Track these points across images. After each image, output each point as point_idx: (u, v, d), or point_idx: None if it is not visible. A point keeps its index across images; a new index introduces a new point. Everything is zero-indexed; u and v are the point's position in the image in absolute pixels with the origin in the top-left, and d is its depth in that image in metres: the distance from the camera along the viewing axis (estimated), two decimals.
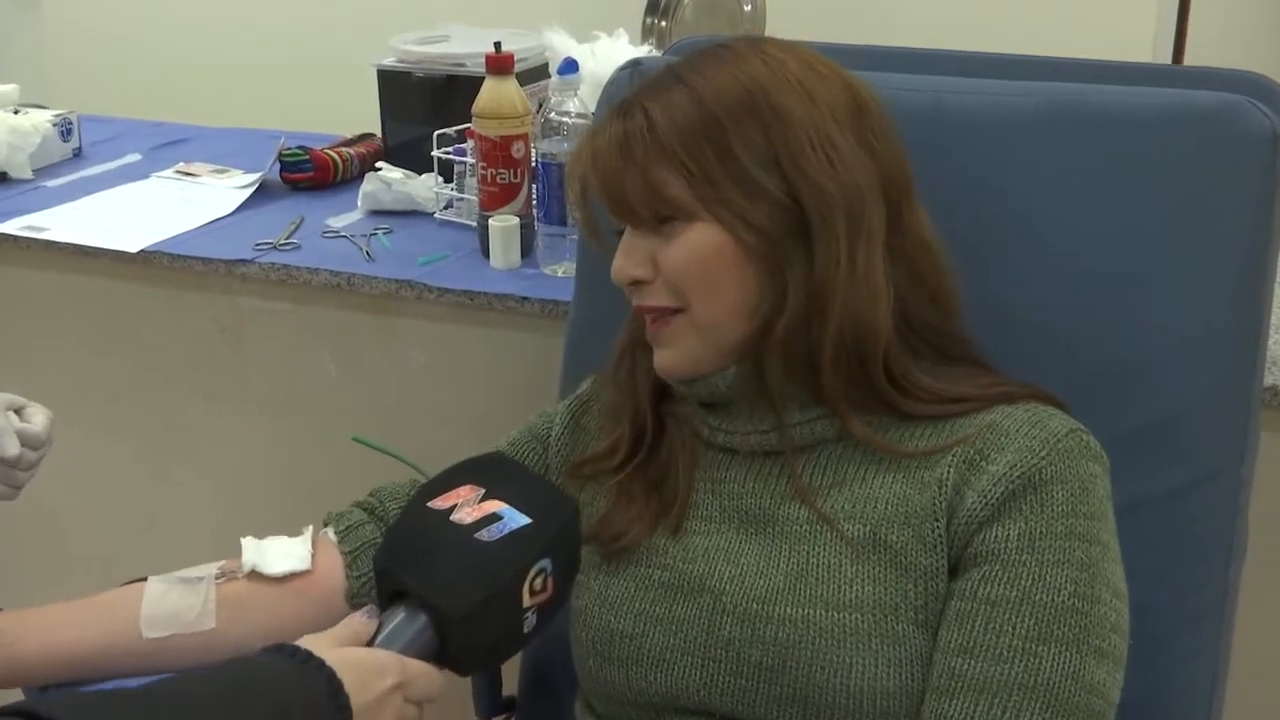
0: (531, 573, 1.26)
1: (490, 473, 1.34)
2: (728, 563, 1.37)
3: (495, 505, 1.29)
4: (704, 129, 1.32)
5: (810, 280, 1.32)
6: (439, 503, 1.30)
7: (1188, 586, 1.52)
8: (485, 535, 1.26)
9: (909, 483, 1.34)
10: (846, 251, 1.32)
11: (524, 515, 1.29)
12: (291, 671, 1.14)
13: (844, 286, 1.32)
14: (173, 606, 1.43)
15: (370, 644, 1.23)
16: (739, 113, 1.32)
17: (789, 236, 1.32)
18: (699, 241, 1.33)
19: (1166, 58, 3.31)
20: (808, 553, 1.34)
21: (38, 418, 1.56)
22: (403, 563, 1.27)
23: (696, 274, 1.34)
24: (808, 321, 1.33)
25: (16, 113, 2.84)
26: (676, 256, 1.34)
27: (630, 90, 1.40)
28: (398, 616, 1.25)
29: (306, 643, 1.18)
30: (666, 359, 1.39)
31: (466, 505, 1.29)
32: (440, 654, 1.25)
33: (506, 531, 1.27)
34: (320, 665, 1.14)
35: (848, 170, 1.32)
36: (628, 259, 1.37)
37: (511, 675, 1.70)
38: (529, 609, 1.27)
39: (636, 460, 1.46)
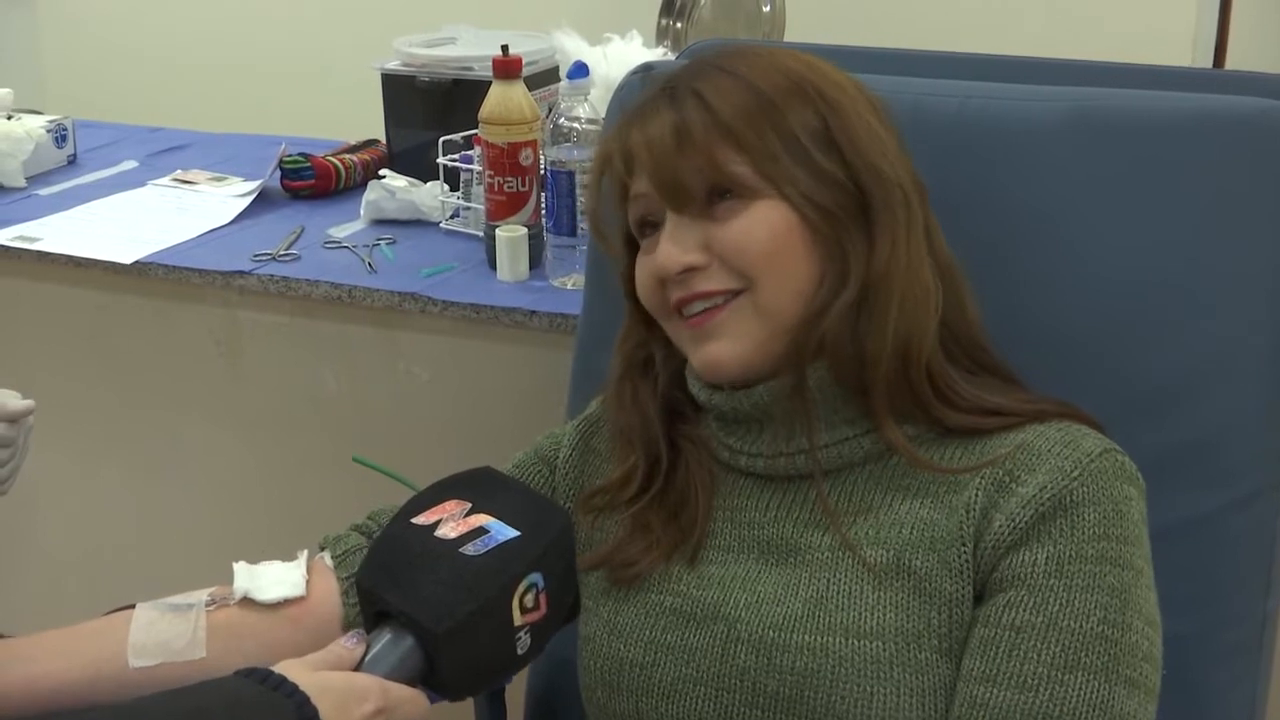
0: (520, 588, 1.26)
1: (477, 487, 1.34)
2: (744, 591, 1.34)
3: (482, 519, 1.29)
4: (761, 110, 1.31)
5: (870, 267, 1.30)
6: (423, 518, 1.30)
7: (1225, 616, 1.48)
8: (471, 549, 1.26)
9: (935, 508, 1.30)
10: (905, 241, 1.31)
11: (512, 529, 1.29)
12: (259, 696, 1.12)
13: (902, 277, 1.31)
14: (162, 635, 1.39)
15: (357, 668, 1.21)
16: (791, 98, 1.32)
17: (851, 220, 1.31)
18: (765, 218, 1.30)
19: (1207, 61, 3.27)
20: (828, 580, 1.31)
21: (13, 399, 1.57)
22: (385, 581, 1.26)
23: (764, 250, 1.30)
24: (860, 313, 1.30)
25: (10, 118, 2.86)
26: (741, 233, 1.30)
27: (668, 78, 1.37)
28: (383, 638, 1.24)
29: (283, 667, 1.17)
30: (721, 351, 1.33)
31: (452, 520, 1.29)
32: (429, 677, 1.24)
33: (493, 545, 1.27)
34: (292, 690, 1.13)
35: (898, 162, 1.34)
36: (677, 246, 1.33)
37: (516, 706, 1.68)
38: (521, 628, 1.26)
39: (652, 491, 1.42)
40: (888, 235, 1.30)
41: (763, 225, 1.30)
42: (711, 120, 1.30)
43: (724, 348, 1.33)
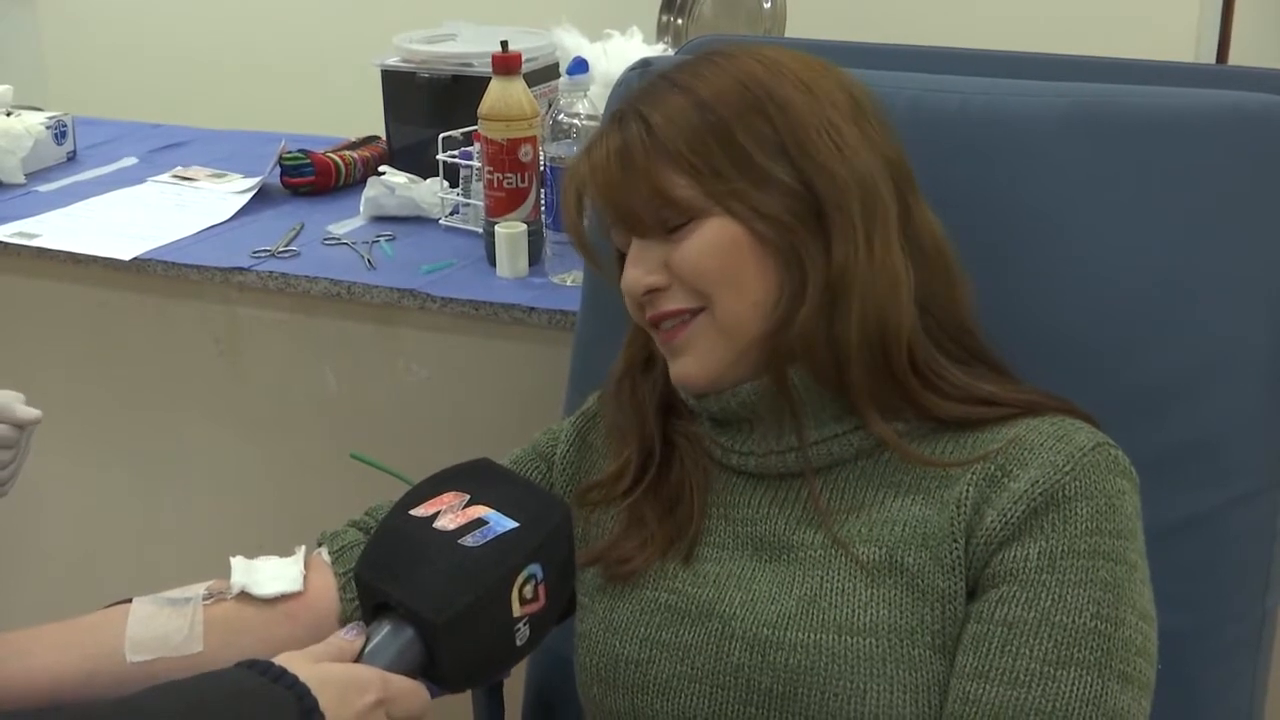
0: (520, 579, 1.25)
1: (476, 478, 1.33)
2: (738, 589, 1.34)
3: (480, 510, 1.28)
4: (706, 127, 1.30)
5: (829, 269, 1.30)
6: (421, 510, 1.29)
7: (1223, 615, 1.47)
8: (469, 540, 1.25)
9: (927, 504, 1.30)
10: (864, 237, 1.30)
11: (510, 520, 1.28)
12: (260, 688, 1.12)
13: (863, 274, 1.29)
14: (159, 629, 1.39)
15: (358, 660, 1.20)
16: (741, 108, 1.31)
17: (804, 225, 1.30)
18: (714, 237, 1.30)
19: (1210, 57, 3.26)
20: (821, 577, 1.30)
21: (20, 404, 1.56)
22: (384, 573, 1.25)
23: (716, 269, 1.30)
24: (829, 314, 1.30)
25: (9, 114, 2.85)
26: (692, 254, 1.31)
27: (623, 101, 1.38)
28: (383, 630, 1.23)
29: (284, 659, 1.16)
30: (688, 367, 1.35)
31: (450, 512, 1.28)
32: (429, 669, 1.23)
33: (492, 536, 1.25)
34: (293, 682, 1.12)
35: (857, 157, 1.31)
36: (639, 268, 1.34)
37: (514, 702, 1.66)
38: (520, 619, 1.25)
39: (645, 482, 1.42)
40: (844, 236, 1.29)
41: (712, 245, 1.30)
42: (653, 143, 1.31)
43: (690, 364, 1.34)
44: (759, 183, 1.29)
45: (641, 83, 1.40)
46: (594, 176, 1.34)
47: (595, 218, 1.40)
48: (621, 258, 1.39)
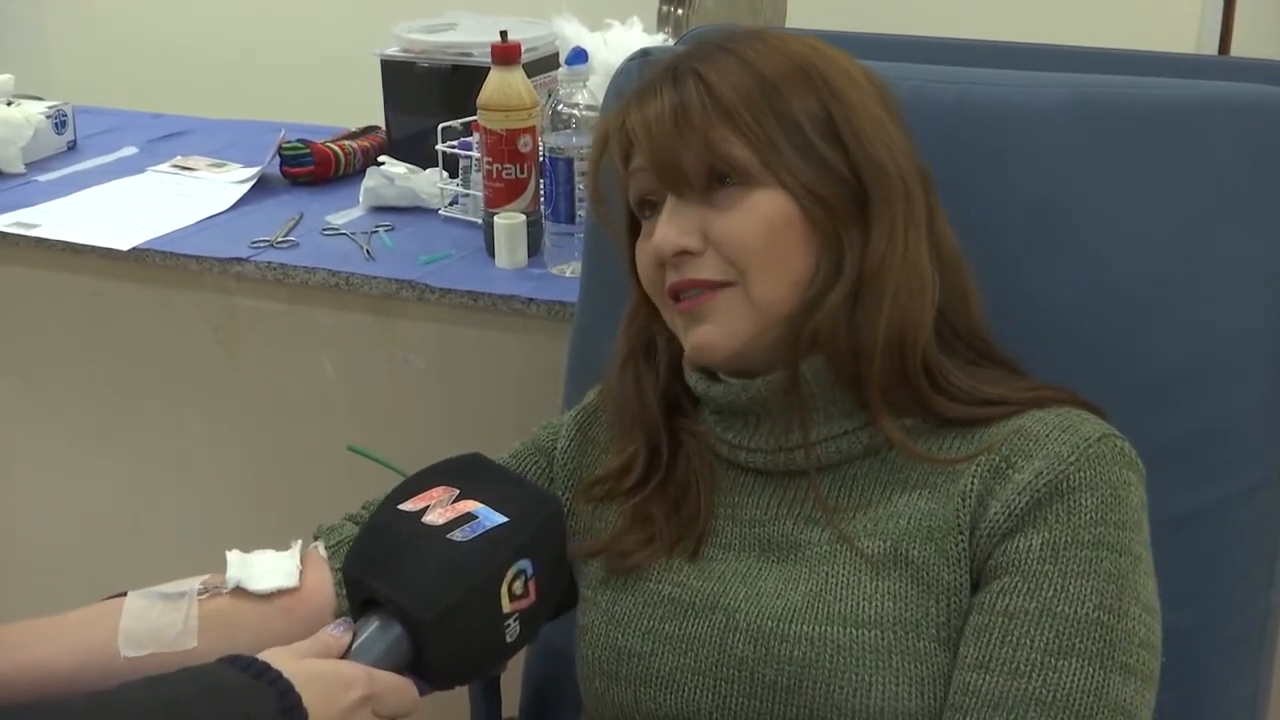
0: (509, 574, 1.24)
1: (466, 473, 1.33)
2: (743, 584, 1.33)
3: (470, 505, 1.27)
4: (763, 95, 1.29)
5: (865, 261, 1.29)
6: (410, 505, 1.28)
7: (1228, 608, 1.47)
8: (458, 535, 1.24)
9: (933, 498, 1.29)
10: (901, 234, 1.30)
11: (500, 515, 1.27)
12: (240, 684, 1.11)
13: (897, 270, 1.29)
14: (153, 624, 1.38)
15: (345, 656, 1.20)
16: (795, 83, 1.30)
17: (848, 212, 1.30)
18: (765, 209, 1.29)
19: (1212, 48, 3.26)
20: (827, 572, 1.30)
21: None
22: (372, 568, 1.25)
23: (762, 244, 1.29)
24: (856, 305, 1.29)
25: (9, 104, 2.85)
26: (739, 224, 1.29)
27: (672, 59, 1.36)
28: (370, 626, 1.23)
29: (268, 655, 1.15)
30: (710, 335, 1.32)
31: (439, 506, 1.28)
32: (417, 665, 1.22)
33: (481, 531, 1.25)
34: (275, 678, 1.11)
35: (902, 154, 1.32)
36: (674, 228, 1.31)
37: (512, 696, 1.67)
38: (510, 615, 1.25)
39: (654, 481, 1.41)
40: (884, 228, 1.29)
41: (760, 218, 1.28)
42: (711, 102, 1.29)
43: (713, 332, 1.32)
44: (813, 161, 1.28)
45: (690, 44, 1.39)
46: (646, 131, 1.31)
47: (610, 192, 1.39)
48: (633, 228, 1.38)
